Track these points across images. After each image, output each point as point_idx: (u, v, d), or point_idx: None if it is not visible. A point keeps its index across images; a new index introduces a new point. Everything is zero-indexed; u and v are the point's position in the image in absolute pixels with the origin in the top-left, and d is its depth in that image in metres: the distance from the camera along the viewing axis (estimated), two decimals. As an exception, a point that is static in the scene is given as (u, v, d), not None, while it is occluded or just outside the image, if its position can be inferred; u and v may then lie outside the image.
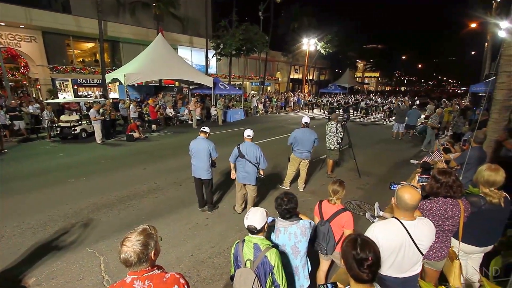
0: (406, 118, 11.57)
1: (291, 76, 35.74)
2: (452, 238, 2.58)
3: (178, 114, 15.27)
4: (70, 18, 17.04)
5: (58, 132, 10.78)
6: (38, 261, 3.54)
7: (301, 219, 2.41)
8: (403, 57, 49.86)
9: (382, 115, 18.98)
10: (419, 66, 56.02)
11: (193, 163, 4.73)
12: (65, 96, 17.81)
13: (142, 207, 5.11)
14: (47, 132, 10.84)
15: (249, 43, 19.33)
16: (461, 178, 3.06)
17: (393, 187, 2.61)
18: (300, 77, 38.63)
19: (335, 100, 23.04)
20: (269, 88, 34.10)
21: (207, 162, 4.63)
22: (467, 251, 2.69)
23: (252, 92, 27.76)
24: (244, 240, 2.03)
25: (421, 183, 2.96)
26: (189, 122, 14.85)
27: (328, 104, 19.07)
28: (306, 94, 28.74)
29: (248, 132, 4.56)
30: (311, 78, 39.03)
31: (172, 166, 7.49)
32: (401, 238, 1.88)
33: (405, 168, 7.63)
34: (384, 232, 1.90)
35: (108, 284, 3.18)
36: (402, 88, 61.35)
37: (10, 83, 14.35)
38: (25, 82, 16.86)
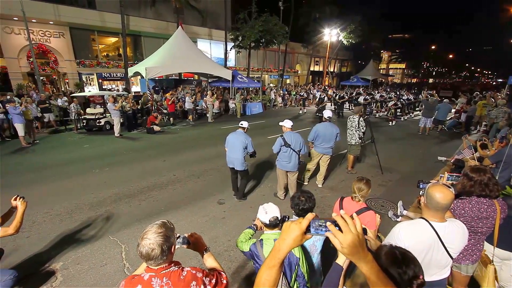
0: (436, 112, 10.93)
1: (311, 68, 34.88)
2: (486, 243, 2.38)
3: (196, 107, 15.45)
4: (95, 14, 17.61)
5: (84, 124, 11.30)
6: (65, 247, 3.74)
7: None
8: (432, 47, 46.81)
9: (386, 113, 15.09)
10: (450, 56, 52.23)
11: (228, 154, 4.95)
12: (90, 90, 18.58)
13: (161, 198, 5.22)
14: (74, 124, 11.40)
15: (269, 34, 18.98)
16: (497, 178, 2.81)
17: (422, 186, 2.45)
18: (321, 69, 37.62)
19: (334, 94, 19.14)
20: (288, 80, 33.56)
21: (242, 155, 4.79)
22: (502, 257, 2.48)
23: (271, 84, 27.39)
24: (261, 240, 1.98)
25: (451, 182, 2.77)
26: (207, 115, 14.99)
27: (318, 100, 15.43)
28: (327, 87, 27.98)
29: (285, 123, 4.85)
30: (332, 70, 37.91)
31: (190, 159, 7.60)
32: (429, 241, 1.74)
33: (432, 165, 7.22)
34: (411, 233, 1.77)
35: (129, 271, 3.28)
36: (430, 80, 57.92)
37: (41, 78, 15.19)
38: (54, 76, 17.76)
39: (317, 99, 16.02)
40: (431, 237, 1.73)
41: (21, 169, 6.76)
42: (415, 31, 48.82)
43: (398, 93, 21.18)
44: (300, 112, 17.55)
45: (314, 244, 2.29)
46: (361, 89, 24.34)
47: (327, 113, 5.60)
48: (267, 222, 1.98)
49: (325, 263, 2.44)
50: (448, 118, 12.13)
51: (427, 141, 10.03)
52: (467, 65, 60.07)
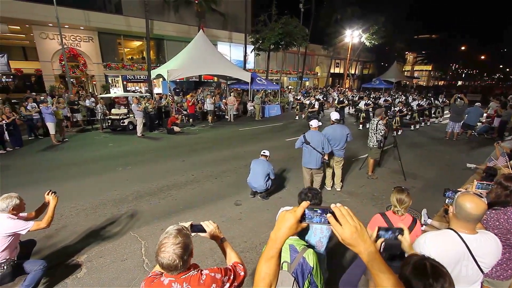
0: (466, 116, 10.35)
1: (332, 71, 34.33)
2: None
3: (216, 109, 15.69)
4: (121, 19, 18.45)
5: (109, 124, 11.82)
6: (90, 240, 3.91)
7: None
8: (462, 48, 44.26)
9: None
10: (482, 57, 48.95)
11: (250, 180, 5.15)
12: (116, 91, 19.44)
13: (180, 197, 5.34)
14: (100, 124, 11.96)
15: (289, 37, 18.90)
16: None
17: (448, 195, 2.33)
18: (341, 71, 36.92)
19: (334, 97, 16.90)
20: (307, 83, 33.22)
21: (263, 181, 4.99)
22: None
23: (290, 87, 27.24)
24: None
25: (481, 190, 2.60)
26: (226, 116, 15.20)
27: (308, 106, 12.96)
28: (347, 89, 27.38)
29: (312, 122, 5.12)
30: (353, 72, 37.07)
31: (209, 159, 7.71)
32: (458, 253, 1.63)
33: (459, 172, 6.82)
34: (438, 244, 1.66)
35: (148, 267, 3.37)
36: (460, 83, 54.91)
37: (71, 80, 16.12)
38: (83, 79, 18.79)
39: (307, 104, 13.49)
40: (460, 250, 1.62)
41: (51, 165, 7.18)
42: (443, 31, 46.35)
43: (407, 97, 17.90)
44: (297, 118, 15.49)
45: (321, 241, 2.31)
46: (378, 93, 22.54)
47: (334, 115, 5.62)
48: None
49: (329, 258, 2.53)
50: (478, 123, 11.44)
51: (454, 147, 9.50)
52: (501, 66, 56.08)
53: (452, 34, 44.32)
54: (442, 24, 48.69)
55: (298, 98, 17.05)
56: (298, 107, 15.99)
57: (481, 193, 2.39)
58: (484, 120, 12.11)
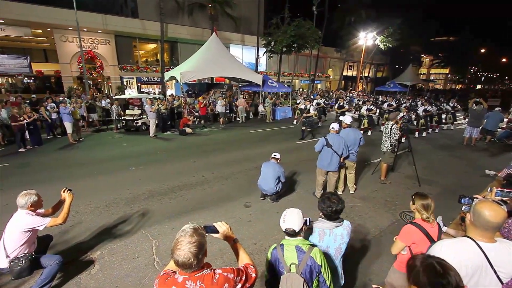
0: (485, 121, 9.96)
1: (344, 73, 33.92)
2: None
3: (227, 111, 15.77)
4: (137, 22, 18.98)
5: (124, 124, 12.11)
6: (102, 237, 4.01)
7: (343, 219, 2.32)
8: (482, 50, 42.67)
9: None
10: (503, 60, 46.89)
11: (260, 183, 5.14)
12: (130, 93, 19.93)
13: (190, 198, 5.39)
14: (115, 124, 12.28)
15: (301, 39, 18.84)
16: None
17: (464, 201, 2.26)
18: (354, 74, 36.43)
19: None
20: (319, 86, 32.99)
21: (274, 184, 4.96)
22: None
23: (301, 89, 27.11)
24: (282, 244, 1.96)
25: (500, 198, 2.49)
26: (237, 118, 15.27)
27: (304, 110, 11.49)
28: (359, 93, 26.98)
29: (333, 125, 5.09)
30: (366, 75, 36.50)
31: (219, 161, 7.76)
32: (476, 262, 1.57)
33: (477, 179, 6.56)
34: (455, 253, 1.61)
35: (158, 266, 3.41)
36: (478, 86, 52.95)
37: (88, 81, 16.67)
38: (99, 80, 19.38)
39: (303, 109, 11.95)
40: (479, 259, 1.56)
41: (68, 163, 7.44)
42: (462, 33, 44.89)
43: (414, 102, 16.70)
44: (294, 122, 14.33)
45: (340, 247, 2.27)
46: (385, 97, 21.39)
47: (347, 119, 5.61)
48: (284, 230, 1.98)
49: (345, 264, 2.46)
50: (498, 129, 10.98)
51: (472, 153, 9.15)
52: (524, 70, 53.66)
53: (471, 36, 42.81)
54: (460, 26, 47.20)
55: (298, 102, 15.99)
56: (298, 111, 14.35)
57: (505, 201, 2.28)
58: (504, 126, 11.60)
